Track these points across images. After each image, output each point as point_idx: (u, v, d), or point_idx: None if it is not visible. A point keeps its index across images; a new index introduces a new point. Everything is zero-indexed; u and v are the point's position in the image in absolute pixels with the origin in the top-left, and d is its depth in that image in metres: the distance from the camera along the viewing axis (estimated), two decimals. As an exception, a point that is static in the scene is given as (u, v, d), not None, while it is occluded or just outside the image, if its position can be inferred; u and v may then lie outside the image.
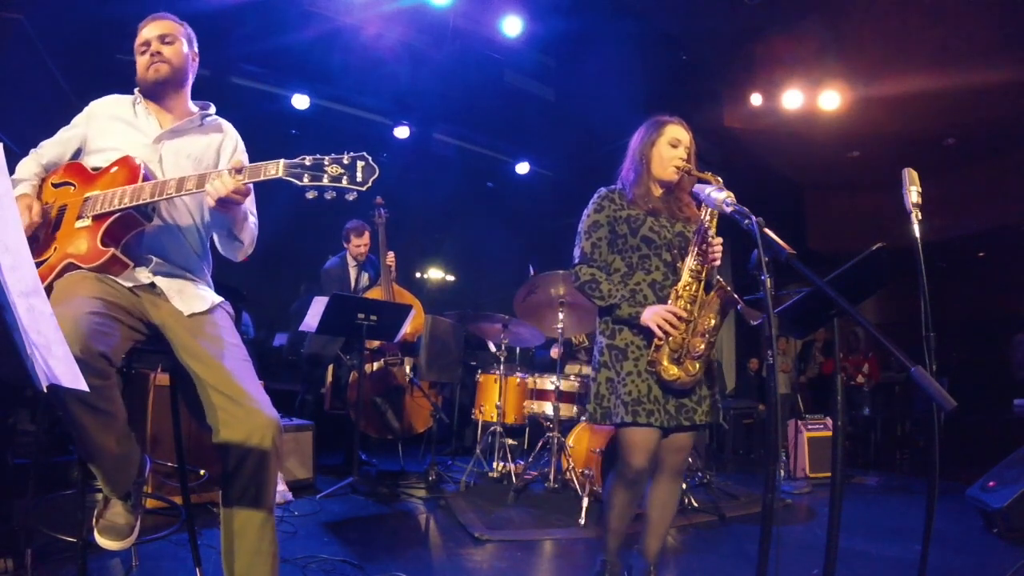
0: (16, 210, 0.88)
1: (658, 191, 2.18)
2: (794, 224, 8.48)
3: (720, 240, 2.04)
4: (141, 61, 1.79)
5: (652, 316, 1.97)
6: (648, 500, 2.18)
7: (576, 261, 2.16)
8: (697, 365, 1.99)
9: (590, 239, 2.14)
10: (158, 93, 1.80)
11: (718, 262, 2.05)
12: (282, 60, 5.38)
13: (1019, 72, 5.32)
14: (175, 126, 1.79)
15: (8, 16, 3.69)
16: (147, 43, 1.78)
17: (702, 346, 2.00)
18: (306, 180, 1.51)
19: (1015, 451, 3.63)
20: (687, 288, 2.01)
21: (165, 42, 1.78)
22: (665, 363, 1.98)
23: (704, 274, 2.03)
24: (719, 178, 2.03)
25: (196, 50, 1.89)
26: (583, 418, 4.05)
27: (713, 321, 2.01)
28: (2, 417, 2.74)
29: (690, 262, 2.03)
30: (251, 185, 1.58)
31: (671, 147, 2.15)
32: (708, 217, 2.04)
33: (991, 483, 3.55)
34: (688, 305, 1.99)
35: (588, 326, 4.23)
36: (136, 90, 1.82)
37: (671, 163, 2.13)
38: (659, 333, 1.96)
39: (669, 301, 2.02)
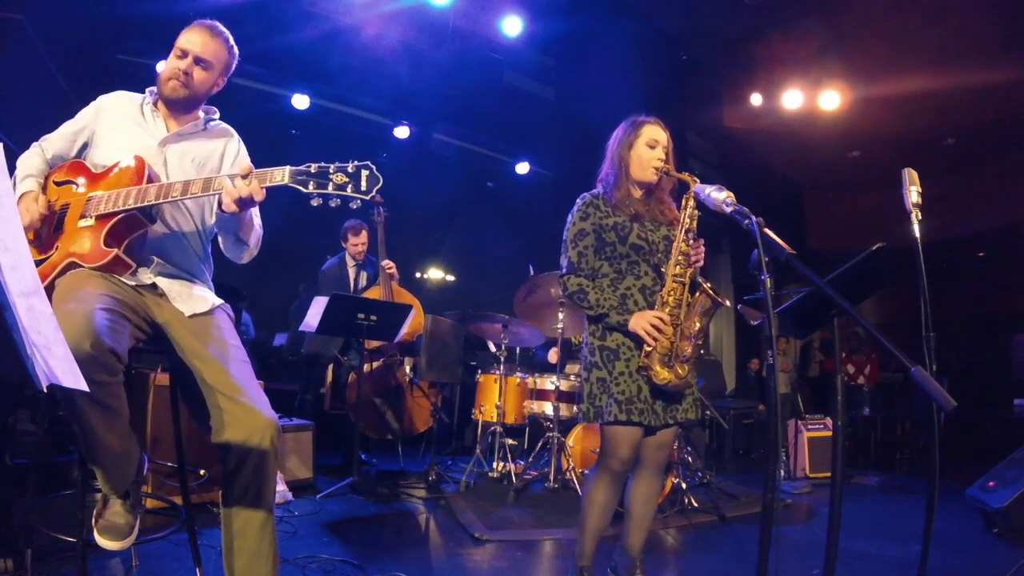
0: (16, 210, 0.88)
1: (637, 193, 2.18)
2: (794, 224, 8.48)
3: (702, 241, 2.06)
4: (169, 65, 1.76)
5: (639, 323, 2.00)
6: (630, 496, 2.22)
7: (564, 271, 2.18)
8: (686, 368, 2.03)
9: (576, 248, 2.14)
10: (169, 104, 1.80)
11: (701, 263, 2.07)
12: (282, 60, 5.37)
13: (1019, 72, 5.32)
14: (180, 130, 1.80)
15: (8, 16, 3.69)
16: (184, 53, 1.75)
17: (689, 349, 2.03)
18: (311, 187, 1.51)
19: (1015, 451, 3.63)
20: (672, 293, 2.03)
21: (199, 65, 1.76)
22: (656, 367, 2.00)
23: (688, 277, 2.04)
24: (696, 178, 2.04)
25: (227, 77, 1.86)
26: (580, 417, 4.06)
27: (698, 324, 2.04)
28: (2, 417, 2.74)
29: (673, 267, 2.04)
30: (265, 189, 1.56)
31: (649, 148, 2.13)
32: (688, 220, 2.04)
33: (991, 483, 3.55)
34: (674, 309, 2.02)
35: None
36: (147, 90, 1.81)
37: (649, 164, 2.12)
38: (648, 340, 1.99)
39: (656, 307, 2.05)
